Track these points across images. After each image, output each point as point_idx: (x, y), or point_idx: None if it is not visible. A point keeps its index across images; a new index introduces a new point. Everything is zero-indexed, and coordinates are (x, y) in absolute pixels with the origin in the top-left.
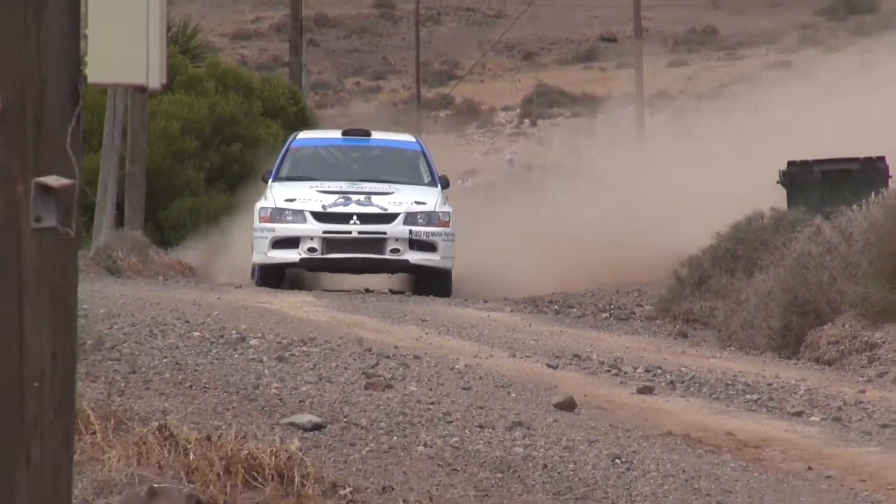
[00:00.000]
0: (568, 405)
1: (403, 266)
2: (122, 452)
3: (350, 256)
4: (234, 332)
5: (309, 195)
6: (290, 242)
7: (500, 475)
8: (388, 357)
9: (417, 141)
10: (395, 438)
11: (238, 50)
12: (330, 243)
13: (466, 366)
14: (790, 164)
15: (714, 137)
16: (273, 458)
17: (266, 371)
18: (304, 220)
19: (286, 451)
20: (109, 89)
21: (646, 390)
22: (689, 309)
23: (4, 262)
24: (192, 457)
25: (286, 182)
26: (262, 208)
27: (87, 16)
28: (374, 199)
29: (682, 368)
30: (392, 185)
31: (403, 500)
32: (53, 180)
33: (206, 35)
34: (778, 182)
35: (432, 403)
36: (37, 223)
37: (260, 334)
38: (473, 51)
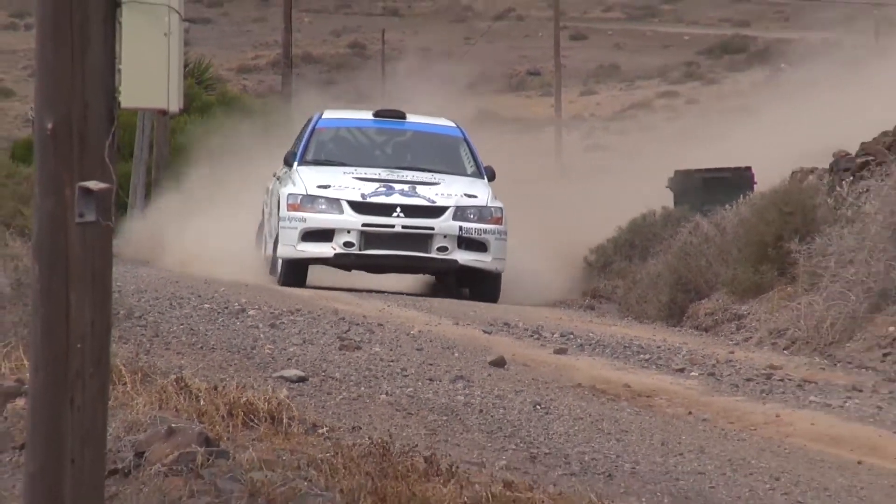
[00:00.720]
0: (499, 363)
1: (450, 267)
2: (146, 399)
3: (391, 254)
4: (236, 304)
5: (345, 182)
6: (323, 235)
7: (445, 418)
8: (357, 324)
9: (458, 126)
10: (363, 389)
11: (241, 81)
12: (369, 238)
13: (420, 331)
14: (676, 172)
15: (617, 150)
16: (266, 403)
17: (261, 335)
18: (341, 211)
19: (276, 398)
20: (139, 112)
21: (561, 351)
22: (595, 287)
23: (55, 249)
24: (202, 403)
25: (315, 166)
26: (290, 195)
27: (121, 54)
28: (420, 189)
29: (590, 334)
30: (436, 175)
31: (369, 437)
32: (94, 184)
33: (216, 70)
34: (666, 187)
35: (392, 361)
36: (80, 218)
37: (257, 306)
38: (426, 80)
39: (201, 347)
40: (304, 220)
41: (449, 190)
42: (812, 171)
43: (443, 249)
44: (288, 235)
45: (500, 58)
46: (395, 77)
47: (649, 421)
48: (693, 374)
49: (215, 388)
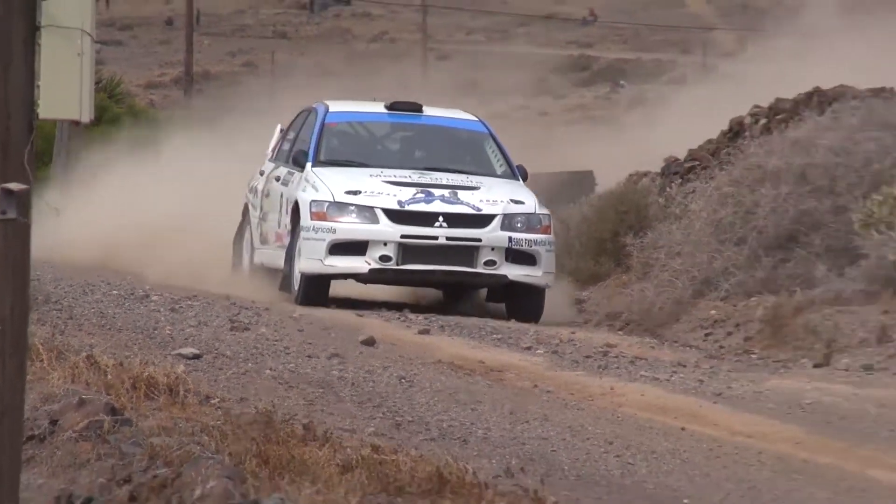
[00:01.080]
0: (370, 342)
1: (498, 283)
2: (61, 374)
3: (433, 269)
4: (141, 291)
5: (376, 186)
6: (355, 248)
7: (321, 390)
8: (246, 308)
9: (480, 120)
10: (250, 365)
11: (148, 96)
12: (408, 251)
13: (301, 315)
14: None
15: None
16: (165, 377)
17: (162, 318)
18: (375, 220)
19: (174, 373)
20: (56, 122)
21: (424, 332)
22: None
23: None
24: (109, 377)
25: (332, 167)
26: (314, 201)
27: (40, 71)
28: (462, 194)
29: (450, 317)
30: (471, 177)
31: (255, 407)
32: (15, 186)
33: (126, 85)
34: None
35: (276, 340)
36: (2, 216)
37: (159, 293)
38: (315, 96)
39: (109, 328)
40: (333, 230)
41: (493, 195)
42: (646, 174)
43: (490, 263)
44: (312, 248)
45: (373, 82)
46: (287, 93)
47: (500, 393)
48: (539, 351)
49: (121, 364)
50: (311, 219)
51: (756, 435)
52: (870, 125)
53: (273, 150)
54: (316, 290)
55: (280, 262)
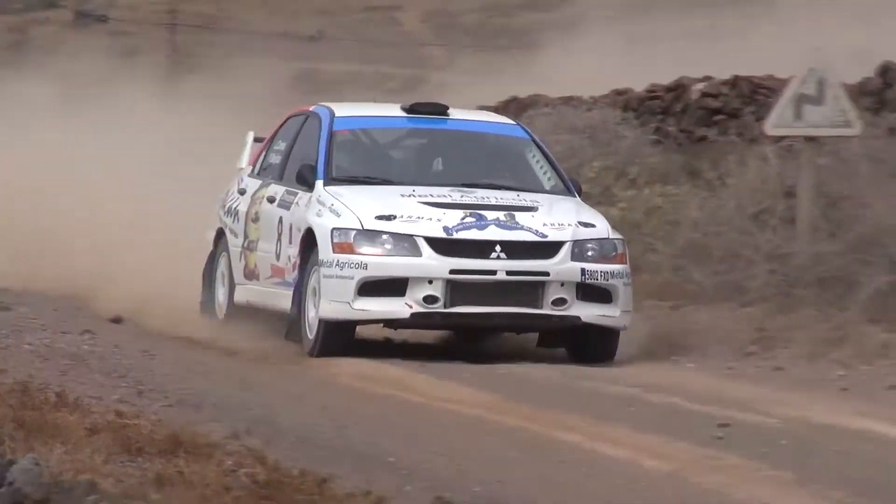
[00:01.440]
0: (117, 320)
1: (570, 325)
2: None
3: (490, 311)
4: None
5: (413, 209)
6: (393, 287)
7: (74, 362)
8: (7, 290)
9: (519, 124)
10: (10, 340)
11: None
12: (458, 289)
13: (59, 297)
14: None
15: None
16: None
17: None
18: (417, 252)
19: None
20: None
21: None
22: None
23: None
24: None
25: (349, 185)
26: (337, 230)
27: None
28: (520, 217)
29: None
30: (522, 194)
31: (13, 377)
32: None
33: None
34: None
35: (35, 318)
36: None
37: None
38: (76, 105)
39: None
40: (364, 265)
41: (556, 217)
42: None
43: (559, 302)
44: (337, 288)
45: (129, 87)
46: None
47: (233, 366)
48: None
49: None
50: (334, 251)
51: (454, 401)
52: (560, 129)
53: (253, 164)
54: (339, 338)
55: (277, 301)
